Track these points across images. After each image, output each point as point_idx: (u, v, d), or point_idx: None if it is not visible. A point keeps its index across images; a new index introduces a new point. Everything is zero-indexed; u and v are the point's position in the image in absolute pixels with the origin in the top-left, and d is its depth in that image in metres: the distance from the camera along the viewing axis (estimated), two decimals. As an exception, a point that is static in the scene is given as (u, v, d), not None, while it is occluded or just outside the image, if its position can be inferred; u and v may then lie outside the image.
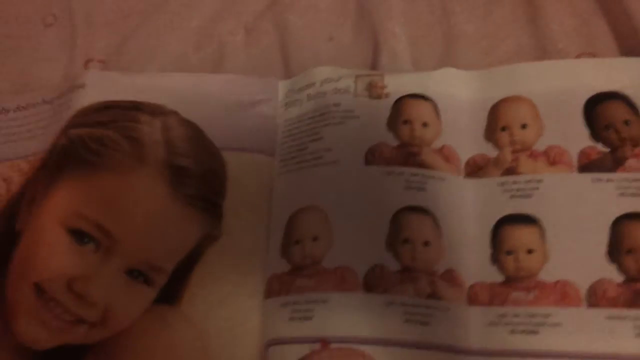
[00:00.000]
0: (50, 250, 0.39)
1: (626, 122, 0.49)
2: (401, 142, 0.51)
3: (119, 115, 0.45)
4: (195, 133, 0.46)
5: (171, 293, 0.45)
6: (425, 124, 0.52)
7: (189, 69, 0.62)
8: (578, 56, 0.59)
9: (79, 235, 0.39)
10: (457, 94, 0.54)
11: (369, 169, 0.50)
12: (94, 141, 0.42)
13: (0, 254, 0.42)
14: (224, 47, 0.63)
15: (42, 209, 0.41)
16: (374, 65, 0.60)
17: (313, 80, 0.57)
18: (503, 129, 0.51)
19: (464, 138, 0.51)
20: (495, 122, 0.51)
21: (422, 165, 0.49)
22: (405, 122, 0.52)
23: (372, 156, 0.51)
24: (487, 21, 0.62)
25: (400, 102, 0.54)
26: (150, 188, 0.41)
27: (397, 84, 0.54)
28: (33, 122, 0.58)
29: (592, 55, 0.59)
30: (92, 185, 0.41)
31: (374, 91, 0.54)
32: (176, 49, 0.63)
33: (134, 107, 0.46)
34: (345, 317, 0.45)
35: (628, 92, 0.50)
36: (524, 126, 0.50)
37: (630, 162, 0.47)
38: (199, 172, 0.43)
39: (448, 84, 0.54)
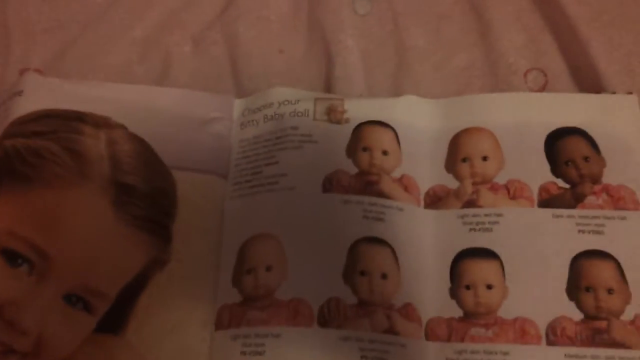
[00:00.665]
0: None
1: (586, 159, 0.49)
2: (360, 170, 0.50)
3: (60, 125, 0.42)
4: (143, 149, 0.43)
5: (115, 321, 0.43)
6: (385, 152, 0.51)
7: (133, 80, 0.59)
8: (528, 71, 0.61)
9: (11, 256, 0.36)
10: (418, 122, 0.53)
11: (326, 196, 0.49)
12: (31, 153, 0.39)
13: None
14: (170, 57, 0.61)
15: None
16: (327, 78, 0.60)
17: (271, 100, 0.55)
18: (464, 160, 0.50)
19: (424, 168, 0.51)
20: (456, 153, 0.51)
21: (381, 194, 0.49)
22: (365, 149, 0.51)
23: (330, 183, 0.50)
24: (438, 36, 0.63)
25: (360, 128, 0.53)
26: (91, 206, 0.38)
27: (358, 110, 0.54)
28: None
29: (541, 70, 0.61)
30: (27, 202, 0.38)
31: (333, 116, 0.53)
32: (119, 60, 0.60)
33: (77, 118, 0.43)
34: (299, 353, 0.44)
35: (587, 128, 0.50)
36: (484, 158, 0.50)
37: (590, 199, 0.47)
38: (146, 192, 0.40)
39: (409, 112, 0.54)
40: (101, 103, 0.49)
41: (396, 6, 0.64)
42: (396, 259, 0.47)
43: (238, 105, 0.56)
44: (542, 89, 0.60)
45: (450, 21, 0.64)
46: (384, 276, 0.46)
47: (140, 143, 0.43)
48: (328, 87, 0.59)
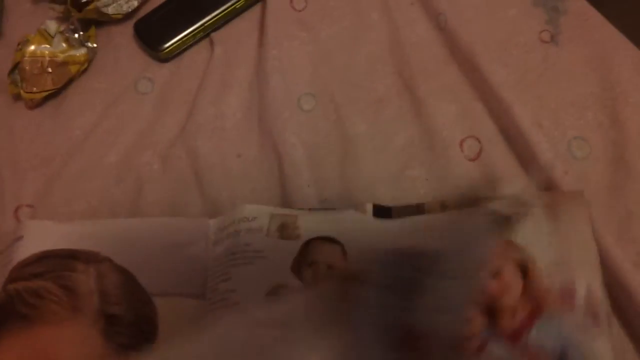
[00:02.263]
0: None
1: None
2: (304, 284, 0.52)
3: (56, 264, 0.46)
4: (127, 279, 0.48)
5: None
6: (330, 267, 0.54)
7: (112, 201, 0.65)
8: (462, 141, 0.65)
9: None
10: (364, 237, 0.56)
11: None
12: (30, 294, 0.44)
13: None
14: (142, 176, 0.67)
15: None
16: (280, 175, 0.65)
17: (233, 218, 0.58)
18: None
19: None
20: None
21: None
22: (311, 264, 0.54)
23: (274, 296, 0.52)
24: (377, 120, 0.68)
25: (309, 244, 0.56)
26: (84, 338, 0.43)
27: (310, 225, 0.56)
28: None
29: (476, 138, 0.65)
30: (29, 341, 0.42)
31: (285, 232, 0.56)
32: (98, 185, 0.67)
33: (70, 256, 0.48)
34: None
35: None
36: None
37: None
38: (131, 320, 0.45)
39: (356, 226, 0.56)
40: (89, 239, 0.56)
41: (337, 98, 0.70)
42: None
43: (212, 225, 0.59)
44: (478, 156, 0.65)
45: (388, 105, 0.69)
46: None
47: (124, 274, 0.48)
48: (282, 184, 0.64)
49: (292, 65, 0.72)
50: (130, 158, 0.68)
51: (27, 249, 0.55)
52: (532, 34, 0.72)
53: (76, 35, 0.74)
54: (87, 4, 0.74)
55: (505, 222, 0.40)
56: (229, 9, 0.74)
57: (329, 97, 0.70)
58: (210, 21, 0.74)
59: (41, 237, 0.58)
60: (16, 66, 0.72)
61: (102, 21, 0.77)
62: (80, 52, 0.73)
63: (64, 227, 0.61)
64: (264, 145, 0.68)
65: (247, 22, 0.76)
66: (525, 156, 0.64)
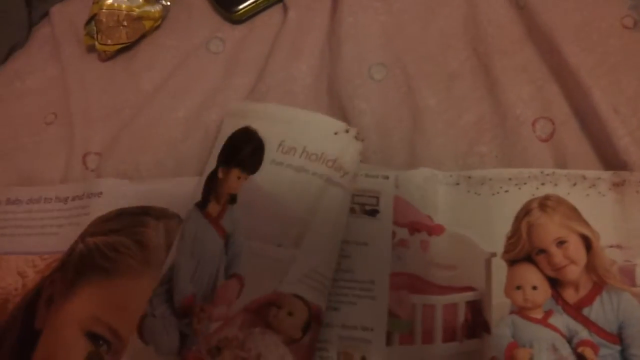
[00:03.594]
0: (67, 353, 0.44)
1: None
2: None
3: (130, 221, 0.50)
4: None
5: None
6: None
7: (178, 156, 0.66)
8: (535, 121, 0.64)
9: (94, 338, 0.44)
10: None
11: None
12: (109, 249, 0.47)
13: (22, 351, 0.46)
14: (209, 134, 0.67)
15: (62, 311, 0.46)
16: None
17: None
18: None
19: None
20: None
21: None
22: None
23: None
24: (449, 95, 0.67)
25: None
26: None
27: None
28: (47, 218, 0.61)
29: (550, 120, 0.64)
30: (108, 291, 0.46)
31: None
32: (166, 139, 0.68)
33: (143, 212, 0.51)
34: None
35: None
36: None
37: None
38: None
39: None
40: (160, 196, 0.58)
41: (409, 69, 0.69)
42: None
43: None
44: (550, 137, 0.63)
45: (461, 79, 0.68)
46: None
47: None
48: None
49: (365, 34, 0.71)
50: (199, 115, 0.69)
51: (105, 205, 0.58)
52: (613, 19, 0.69)
53: (152, -9, 0.74)
54: (164, -40, 0.74)
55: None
56: (305, -25, 0.74)
57: (400, 68, 0.69)
58: (286, -14, 0.74)
59: (118, 194, 0.60)
60: (92, 18, 0.73)
61: (178, -21, 0.77)
62: (155, 9, 0.74)
63: (138, 186, 0.62)
64: (332, 110, 0.67)
65: (321, -11, 0.75)
66: (599, 141, 0.62)
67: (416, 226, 0.55)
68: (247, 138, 0.55)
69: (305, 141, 0.55)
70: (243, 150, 0.55)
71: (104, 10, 0.72)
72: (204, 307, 0.47)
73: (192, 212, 0.52)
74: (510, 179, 0.57)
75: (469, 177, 0.59)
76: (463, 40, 0.71)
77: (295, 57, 0.71)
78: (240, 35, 0.74)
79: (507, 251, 0.53)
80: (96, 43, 0.72)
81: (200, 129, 0.68)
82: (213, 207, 0.53)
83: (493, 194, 0.56)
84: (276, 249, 0.49)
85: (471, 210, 0.56)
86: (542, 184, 0.56)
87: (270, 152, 0.55)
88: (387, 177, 0.58)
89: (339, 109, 0.67)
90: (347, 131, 0.57)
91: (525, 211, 0.54)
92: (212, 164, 0.57)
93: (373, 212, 0.55)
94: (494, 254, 0.52)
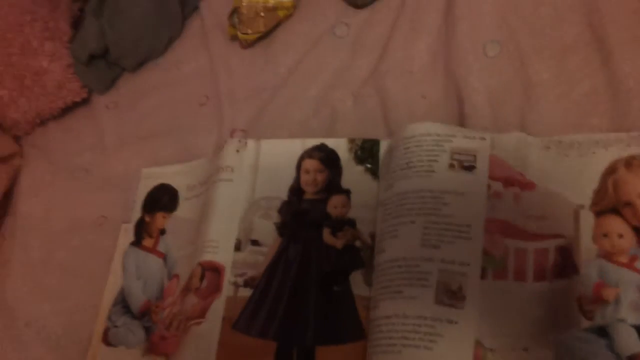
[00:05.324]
0: None
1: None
2: None
3: None
4: None
5: None
6: None
7: (310, 132, 0.75)
8: (648, 93, 0.64)
9: None
10: None
11: None
12: None
13: None
14: (336, 111, 0.75)
15: None
16: (459, 117, 0.70)
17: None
18: None
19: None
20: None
21: None
22: None
23: None
24: (562, 68, 0.69)
25: None
26: None
27: None
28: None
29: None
30: None
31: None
32: (299, 116, 0.77)
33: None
34: None
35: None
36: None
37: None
38: None
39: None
40: None
41: (523, 45, 0.71)
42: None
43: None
44: (663, 110, 0.64)
45: (574, 52, 0.69)
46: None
47: None
48: (461, 125, 0.69)
49: (480, 12, 0.75)
50: (327, 94, 0.77)
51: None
52: None
53: (285, -16, 0.83)
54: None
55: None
56: (423, -41, 0.79)
57: (514, 44, 0.72)
58: (405, -29, 0.79)
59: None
60: (235, 10, 0.83)
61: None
62: (288, -1, 0.83)
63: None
64: (447, 88, 0.72)
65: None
66: None
67: (510, 181, 0.60)
68: (164, 190, 0.77)
69: (200, 178, 0.76)
70: (163, 198, 0.77)
71: (244, 4, 0.82)
72: (157, 304, 0.70)
73: (129, 249, 0.75)
74: (597, 142, 0.61)
75: (560, 142, 0.62)
76: (579, 12, 0.72)
77: (413, 37, 0.76)
78: (363, 19, 0.80)
79: (594, 203, 0.57)
80: (238, 33, 0.82)
81: (327, 106, 0.76)
82: (148, 241, 0.75)
83: (581, 155, 0.60)
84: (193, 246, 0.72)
85: (560, 170, 0.60)
86: (628, 145, 0.59)
87: (182, 193, 0.77)
88: (484, 139, 0.64)
89: (454, 87, 0.71)
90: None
91: (611, 169, 0.58)
92: (137, 213, 0.77)
93: (470, 168, 0.62)
94: (581, 206, 0.57)
